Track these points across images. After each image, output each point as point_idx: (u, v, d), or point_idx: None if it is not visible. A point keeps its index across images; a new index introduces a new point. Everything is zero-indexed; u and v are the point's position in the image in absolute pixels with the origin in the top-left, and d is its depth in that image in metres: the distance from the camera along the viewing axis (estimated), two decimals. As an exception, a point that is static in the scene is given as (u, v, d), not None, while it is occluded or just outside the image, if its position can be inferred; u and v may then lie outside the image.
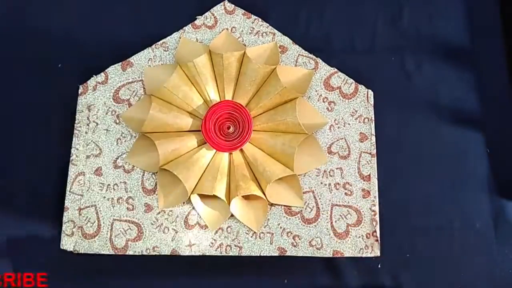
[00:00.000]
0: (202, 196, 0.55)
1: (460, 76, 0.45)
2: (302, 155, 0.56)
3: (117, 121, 0.60)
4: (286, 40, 0.62)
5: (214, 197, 0.55)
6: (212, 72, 0.59)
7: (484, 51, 0.45)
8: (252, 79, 0.58)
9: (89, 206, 0.57)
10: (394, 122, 0.56)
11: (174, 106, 0.58)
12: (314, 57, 0.62)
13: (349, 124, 0.60)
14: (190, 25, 0.62)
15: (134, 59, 0.62)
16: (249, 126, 0.56)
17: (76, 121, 0.59)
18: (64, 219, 0.56)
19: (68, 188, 0.57)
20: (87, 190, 0.57)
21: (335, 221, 0.57)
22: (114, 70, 0.61)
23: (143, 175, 0.58)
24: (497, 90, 0.46)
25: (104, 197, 0.57)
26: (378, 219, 0.57)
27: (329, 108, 0.60)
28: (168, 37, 0.62)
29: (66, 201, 0.57)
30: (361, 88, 0.61)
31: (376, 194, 0.58)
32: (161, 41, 0.62)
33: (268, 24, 0.62)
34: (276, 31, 0.62)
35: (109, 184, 0.58)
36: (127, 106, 0.60)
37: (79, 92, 0.60)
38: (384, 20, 0.48)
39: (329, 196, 0.57)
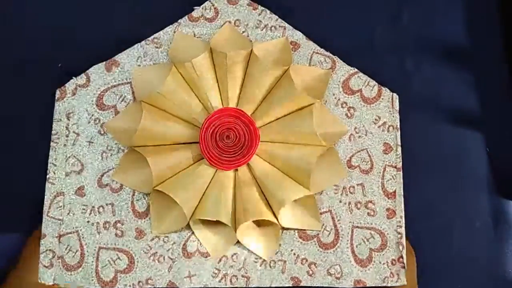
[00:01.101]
0: (204, 220, 0.46)
1: (460, 76, 0.43)
2: (319, 169, 0.47)
3: (102, 132, 0.50)
4: (298, 35, 0.52)
5: (218, 221, 0.46)
6: (213, 74, 0.49)
7: (485, 51, 0.44)
8: (261, 82, 0.48)
9: (70, 232, 0.48)
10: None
11: (170, 115, 0.48)
12: (331, 54, 0.52)
13: (371, 133, 0.51)
14: (186, 17, 0.52)
15: (120, 57, 0.51)
16: (255, 137, 0.46)
17: (53, 132, 0.50)
18: (42, 248, 0.47)
19: (45, 211, 0.48)
20: (68, 213, 0.48)
21: (357, 246, 0.48)
22: (96, 71, 0.51)
23: (133, 195, 0.49)
24: (497, 90, 0.44)
25: (88, 222, 0.48)
26: (404, 242, 0.49)
27: (349, 115, 0.51)
28: (161, 32, 0.52)
29: (43, 227, 0.47)
30: (385, 91, 0.52)
31: (403, 213, 0.50)
32: (152, 36, 0.52)
33: (277, 17, 0.52)
34: (286, 24, 0.52)
35: (93, 206, 0.48)
36: (113, 114, 0.50)
37: (56, 98, 0.50)
38: (384, 20, 0.47)
39: (349, 216, 0.49)
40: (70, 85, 0.50)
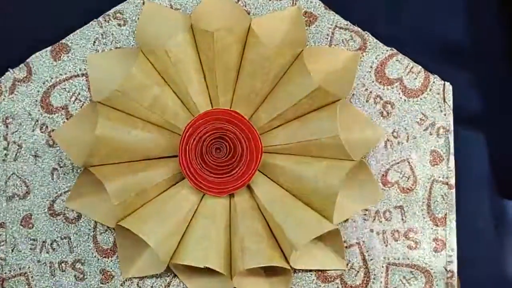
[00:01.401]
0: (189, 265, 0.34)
1: (460, 76, 0.41)
2: (344, 191, 0.34)
3: (51, 142, 0.37)
4: (315, 3, 0.38)
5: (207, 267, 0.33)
6: (196, 61, 0.35)
7: (485, 50, 0.43)
8: (263, 72, 0.34)
9: (16, 275, 0.36)
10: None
11: (137, 120, 0.35)
12: (359, 29, 0.38)
13: (414, 137, 0.37)
14: (159, -18, 0.38)
15: (71, 40, 0.38)
16: (256, 149, 0.33)
17: (-13, 143, 0.37)
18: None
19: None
20: (12, 250, 0.36)
21: (394, 291, 0.36)
22: (40, 60, 0.38)
23: (96, 226, 0.37)
24: (498, 90, 0.43)
25: (39, 261, 0.36)
26: (456, 283, 0.36)
27: (385, 113, 0.38)
28: (125, 3, 0.38)
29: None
30: (435, 79, 0.38)
31: (455, 245, 0.37)
32: (113, 9, 0.38)
33: (284, -21, 0.38)
34: (298, -12, 0.38)
35: (44, 241, 0.36)
36: (64, 118, 0.37)
37: (-11, 97, 0.37)
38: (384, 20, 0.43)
39: (383, 250, 0.36)
40: (6, 80, 0.37)
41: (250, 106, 0.35)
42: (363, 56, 0.37)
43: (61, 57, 0.37)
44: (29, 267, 0.37)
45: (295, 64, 0.35)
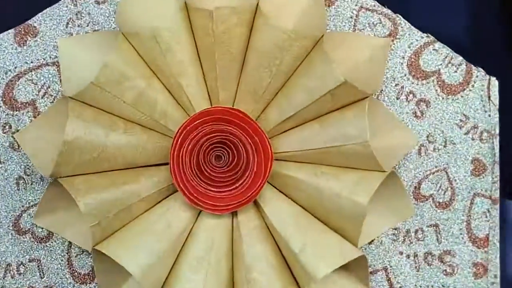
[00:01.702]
0: None
1: None
2: (370, 206, 0.28)
3: (16, 145, 0.31)
4: (335, -22, 0.31)
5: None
6: (192, 48, 0.29)
7: (485, 49, 0.39)
8: (274, 63, 0.28)
9: None
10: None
11: (117, 119, 0.29)
12: (389, 11, 0.31)
13: (453, 143, 0.31)
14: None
15: (39, 21, 0.31)
16: (266, 156, 0.27)
17: None
18: None
19: None
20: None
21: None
22: (1, 45, 0.31)
23: (70, 246, 0.31)
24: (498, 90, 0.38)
25: (3, 287, 0.30)
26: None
27: (418, 113, 0.31)
28: (103, -23, 0.31)
29: None
30: (479, 72, 0.32)
31: (498, 271, 0.31)
32: (90, -15, 0.31)
33: None
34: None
35: (9, 264, 0.30)
36: (31, 116, 0.31)
37: None
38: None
39: (414, 277, 0.31)
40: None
41: (258, 104, 0.29)
42: (394, 44, 0.31)
43: (27, 42, 0.31)
44: None
45: (313, 52, 0.28)
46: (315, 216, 0.29)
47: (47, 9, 0.31)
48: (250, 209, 0.29)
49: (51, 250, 0.31)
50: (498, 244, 0.32)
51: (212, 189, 0.28)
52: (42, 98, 0.31)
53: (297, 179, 0.29)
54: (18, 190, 0.31)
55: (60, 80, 0.31)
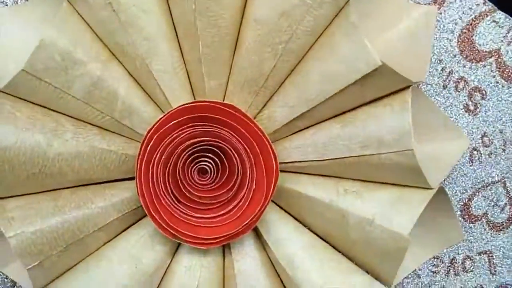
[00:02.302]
0: None
1: None
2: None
3: None
4: None
5: None
6: (165, 18, 0.20)
7: None
8: (281, 39, 0.20)
9: None
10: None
11: (63, 119, 0.21)
12: None
13: (515, 145, 0.23)
14: None
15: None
16: (268, 170, 0.19)
17: None
18: None
19: None
20: None
21: None
22: None
23: (14, 285, 0.23)
24: None
25: None
26: None
27: (471, 108, 0.24)
28: None
29: None
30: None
31: None
32: None
33: None
34: None
35: None
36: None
37: None
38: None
39: None
40: None
41: (257, 97, 0.21)
42: (441, 14, 0.23)
43: None
44: None
45: (335, 25, 0.20)
46: (337, 248, 0.22)
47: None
48: (248, 239, 0.22)
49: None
50: None
51: (195, 214, 0.21)
52: None
53: (313, 199, 0.21)
54: None
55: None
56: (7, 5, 0.23)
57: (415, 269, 0.24)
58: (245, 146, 0.21)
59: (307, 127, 0.22)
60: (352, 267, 0.22)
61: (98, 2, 0.20)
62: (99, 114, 0.21)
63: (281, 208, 0.23)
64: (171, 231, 0.20)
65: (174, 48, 0.21)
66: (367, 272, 0.22)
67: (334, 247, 0.22)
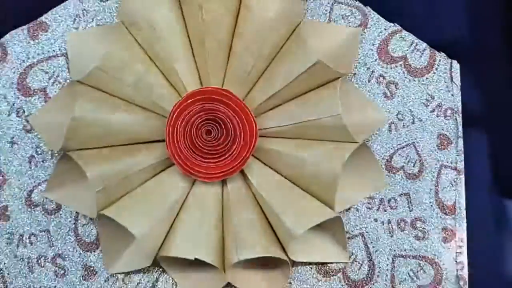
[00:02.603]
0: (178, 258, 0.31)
1: (460, 76, 0.39)
2: (346, 176, 0.31)
3: (29, 127, 0.34)
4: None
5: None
6: (184, 35, 0.32)
7: (485, 49, 0.42)
8: (258, 46, 0.32)
9: None
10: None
11: (120, 100, 0.32)
12: (360, 5, 0.35)
13: (421, 120, 0.35)
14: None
15: (49, 18, 0.35)
16: (251, 130, 0.30)
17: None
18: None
19: None
20: (-13, 244, 0.33)
21: (400, 283, 0.33)
22: (16, 39, 0.35)
23: (76, 218, 0.34)
24: (498, 89, 0.43)
25: (16, 256, 0.33)
26: (467, 275, 0.34)
27: (388, 94, 0.35)
28: (106, -23, 0.35)
29: None
30: (441, 57, 0.35)
31: (465, 234, 0.34)
32: (94, -16, 0.35)
33: None
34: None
35: (22, 235, 0.33)
36: (42, 101, 0.34)
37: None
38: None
39: (388, 241, 0.34)
40: (-22, 61, 0.34)
41: (243, 86, 0.33)
42: (364, 33, 0.35)
43: (39, 36, 0.34)
44: (4, 263, 0.33)
45: (291, 38, 0.32)
46: (296, 184, 0.33)
47: (57, 7, 0.35)
48: (238, 179, 0.33)
49: (59, 222, 0.34)
50: (464, 211, 0.35)
51: (204, 160, 0.32)
52: (52, 85, 0.34)
53: (279, 152, 0.32)
54: (30, 168, 0.34)
55: (68, 69, 0.34)
56: (78, 29, 0.35)
57: (355, 206, 0.35)
58: (236, 117, 0.31)
59: (276, 106, 0.33)
60: (308, 195, 0.32)
61: (144, 26, 0.31)
62: (142, 97, 0.32)
63: (260, 160, 0.34)
64: (190, 170, 0.31)
65: (190, 55, 0.32)
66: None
67: (295, 184, 0.33)
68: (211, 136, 0.31)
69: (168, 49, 0.31)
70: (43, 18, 0.34)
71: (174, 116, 0.31)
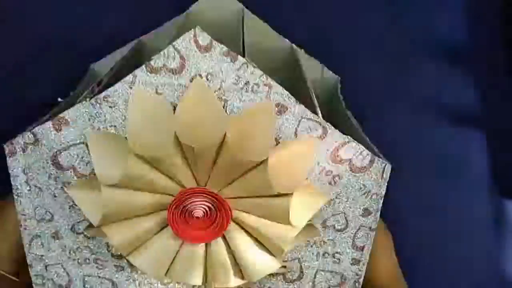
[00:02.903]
0: None
1: (460, 76, 0.45)
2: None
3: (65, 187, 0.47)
4: (285, 96, 0.42)
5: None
6: (184, 166, 0.42)
7: (485, 49, 0.46)
8: (233, 169, 0.42)
9: (54, 264, 0.52)
10: (394, 122, 0.54)
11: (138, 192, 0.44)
12: (322, 120, 0.43)
13: (353, 199, 0.48)
14: (144, 66, 0.40)
15: (69, 115, 0.42)
16: (227, 214, 0.44)
17: (14, 186, 0.46)
18: (32, 272, 0.52)
19: (26, 249, 0.50)
20: (48, 251, 0.51)
21: (318, 283, 0.54)
22: (44, 131, 0.43)
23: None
24: (498, 89, 0.47)
25: (69, 258, 0.51)
26: (361, 281, 0.54)
27: (333, 183, 0.47)
28: (111, 89, 0.41)
29: (28, 259, 0.51)
30: (377, 162, 0.46)
31: (366, 261, 0.53)
32: (103, 94, 0.41)
33: (261, 72, 0.40)
34: (272, 81, 0.41)
35: (71, 247, 0.50)
36: (73, 175, 0.46)
37: (6, 152, 0.44)
38: (384, 20, 0.47)
39: (315, 263, 0.52)
40: (18, 142, 0.44)
41: (220, 184, 0.44)
42: (322, 142, 0.44)
43: (62, 129, 0.43)
44: (62, 261, 0.51)
45: (260, 168, 0.42)
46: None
47: (74, 107, 0.42)
48: (219, 241, 0.48)
49: (97, 241, 0.50)
50: (370, 249, 0.52)
51: (193, 230, 0.46)
52: (79, 163, 0.44)
53: (246, 218, 0.45)
54: (70, 211, 0.48)
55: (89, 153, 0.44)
56: (94, 128, 0.43)
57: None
58: (217, 206, 0.45)
59: (244, 197, 0.46)
60: (265, 251, 0.49)
61: (150, 159, 0.41)
62: (152, 189, 0.44)
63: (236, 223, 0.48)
64: (183, 236, 0.47)
65: (186, 166, 0.43)
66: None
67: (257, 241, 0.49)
68: (200, 216, 0.45)
69: (168, 166, 0.42)
70: (63, 114, 0.42)
71: (175, 200, 0.43)
